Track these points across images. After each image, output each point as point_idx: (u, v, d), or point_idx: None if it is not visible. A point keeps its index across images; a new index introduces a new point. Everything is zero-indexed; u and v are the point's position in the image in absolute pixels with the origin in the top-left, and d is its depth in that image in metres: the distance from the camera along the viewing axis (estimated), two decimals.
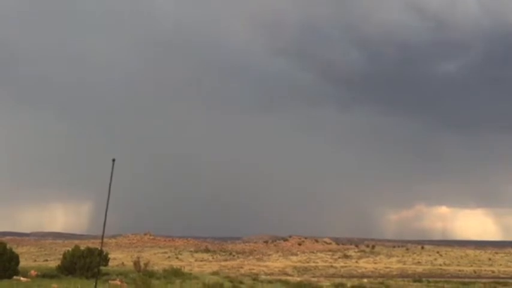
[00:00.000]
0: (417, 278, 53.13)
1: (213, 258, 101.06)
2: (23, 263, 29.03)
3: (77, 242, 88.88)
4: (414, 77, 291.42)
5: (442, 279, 57.54)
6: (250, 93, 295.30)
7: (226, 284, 25.70)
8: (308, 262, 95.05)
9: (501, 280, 56.47)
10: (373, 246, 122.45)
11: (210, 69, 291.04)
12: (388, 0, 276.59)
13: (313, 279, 40.16)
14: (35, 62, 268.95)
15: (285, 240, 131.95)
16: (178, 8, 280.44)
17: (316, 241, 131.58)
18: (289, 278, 45.40)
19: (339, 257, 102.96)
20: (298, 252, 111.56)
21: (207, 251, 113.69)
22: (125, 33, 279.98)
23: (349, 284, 32.11)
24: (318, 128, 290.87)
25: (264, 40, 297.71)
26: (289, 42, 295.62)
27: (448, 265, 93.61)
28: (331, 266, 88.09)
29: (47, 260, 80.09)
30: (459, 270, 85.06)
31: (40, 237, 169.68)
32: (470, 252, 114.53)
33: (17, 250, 31.11)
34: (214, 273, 40.22)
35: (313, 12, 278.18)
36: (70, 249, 27.89)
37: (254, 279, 32.37)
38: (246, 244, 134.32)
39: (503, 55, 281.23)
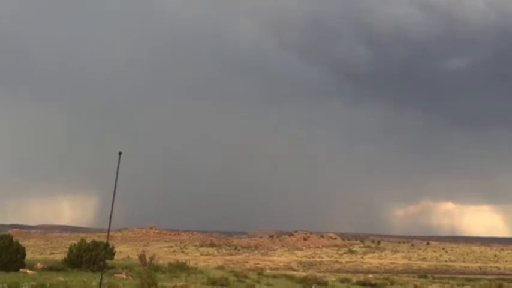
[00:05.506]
0: (422, 274, 53.01)
1: (218, 252, 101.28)
2: (29, 256, 29.19)
3: (83, 235, 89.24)
4: (423, 73, 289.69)
5: (447, 276, 57.43)
6: (256, 88, 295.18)
7: (231, 278, 25.73)
8: (313, 257, 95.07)
9: (506, 277, 56.19)
10: (379, 242, 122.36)
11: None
12: None
13: (318, 274, 40.16)
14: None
15: (291, 235, 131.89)
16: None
17: (322, 236, 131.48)
18: (294, 273, 45.46)
19: (344, 253, 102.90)
20: (304, 247, 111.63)
21: (212, 245, 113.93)
22: None
23: (354, 280, 32.05)
24: (324, 123, 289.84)
25: None
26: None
27: (454, 261, 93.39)
28: (337, 261, 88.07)
29: (53, 253, 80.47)
30: (465, 267, 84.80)
31: (47, 230, 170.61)
32: (476, 248, 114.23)
33: (24, 243, 31.25)
34: (220, 268, 40.26)
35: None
36: (76, 242, 28.02)
37: (259, 274, 32.38)
38: (252, 239, 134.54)
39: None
